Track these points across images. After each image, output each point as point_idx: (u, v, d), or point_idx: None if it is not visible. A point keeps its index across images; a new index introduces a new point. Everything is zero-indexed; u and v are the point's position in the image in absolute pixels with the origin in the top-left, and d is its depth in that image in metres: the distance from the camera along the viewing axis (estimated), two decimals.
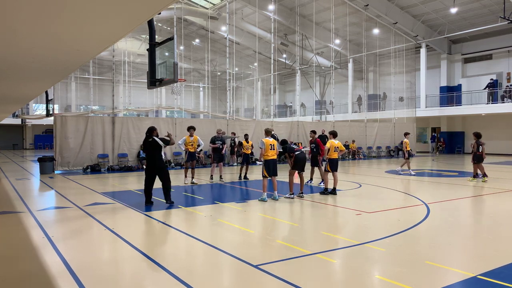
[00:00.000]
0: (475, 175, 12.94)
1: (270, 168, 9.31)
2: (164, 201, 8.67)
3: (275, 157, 9.44)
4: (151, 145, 8.56)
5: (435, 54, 30.62)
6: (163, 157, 12.22)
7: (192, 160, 12.11)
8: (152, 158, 8.61)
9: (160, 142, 8.60)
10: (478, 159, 12.72)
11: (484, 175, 12.76)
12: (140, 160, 17.36)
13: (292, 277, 4.34)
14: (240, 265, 4.80)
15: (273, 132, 18.39)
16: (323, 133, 18.92)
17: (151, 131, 8.70)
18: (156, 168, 8.55)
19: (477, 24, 26.60)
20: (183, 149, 12.31)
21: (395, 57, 29.59)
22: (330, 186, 10.21)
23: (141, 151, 16.93)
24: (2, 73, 7.96)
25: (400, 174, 15.15)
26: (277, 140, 10.78)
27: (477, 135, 12.92)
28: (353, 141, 25.31)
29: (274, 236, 6.21)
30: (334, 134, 10.58)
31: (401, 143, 16.33)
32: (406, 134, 16.18)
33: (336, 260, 5.06)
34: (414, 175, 14.75)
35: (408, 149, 15.41)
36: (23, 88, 10.79)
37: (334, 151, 10.21)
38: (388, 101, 32.40)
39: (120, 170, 16.65)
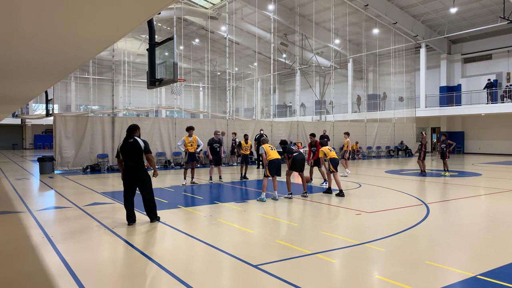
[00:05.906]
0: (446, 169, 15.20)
1: (274, 168, 9.38)
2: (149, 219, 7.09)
3: (278, 156, 9.52)
4: (132, 147, 6.86)
5: (434, 54, 30.63)
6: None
7: (192, 161, 12.06)
8: (131, 165, 6.89)
9: (142, 144, 6.87)
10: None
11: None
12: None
13: (292, 277, 4.35)
14: (240, 265, 4.81)
15: (262, 132, 18.47)
16: (324, 133, 18.84)
17: (133, 130, 7.00)
18: (136, 179, 6.93)
19: (476, 24, 26.61)
20: (183, 150, 12.25)
21: (394, 57, 29.61)
22: (334, 186, 10.22)
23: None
24: (2, 73, 7.96)
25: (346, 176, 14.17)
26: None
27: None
28: (357, 143, 25.31)
29: (274, 236, 6.21)
30: (322, 144, 10.61)
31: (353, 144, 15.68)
32: (346, 134, 15.15)
33: (335, 260, 5.06)
34: (346, 176, 14.13)
35: (350, 149, 14.47)
36: (23, 88, 10.79)
37: (330, 151, 10.24)
38: (388, 101, 32.41)
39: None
